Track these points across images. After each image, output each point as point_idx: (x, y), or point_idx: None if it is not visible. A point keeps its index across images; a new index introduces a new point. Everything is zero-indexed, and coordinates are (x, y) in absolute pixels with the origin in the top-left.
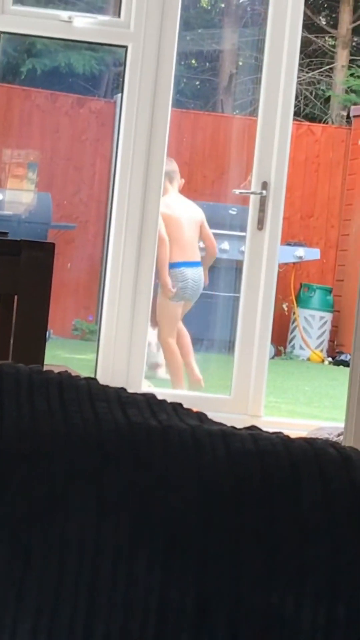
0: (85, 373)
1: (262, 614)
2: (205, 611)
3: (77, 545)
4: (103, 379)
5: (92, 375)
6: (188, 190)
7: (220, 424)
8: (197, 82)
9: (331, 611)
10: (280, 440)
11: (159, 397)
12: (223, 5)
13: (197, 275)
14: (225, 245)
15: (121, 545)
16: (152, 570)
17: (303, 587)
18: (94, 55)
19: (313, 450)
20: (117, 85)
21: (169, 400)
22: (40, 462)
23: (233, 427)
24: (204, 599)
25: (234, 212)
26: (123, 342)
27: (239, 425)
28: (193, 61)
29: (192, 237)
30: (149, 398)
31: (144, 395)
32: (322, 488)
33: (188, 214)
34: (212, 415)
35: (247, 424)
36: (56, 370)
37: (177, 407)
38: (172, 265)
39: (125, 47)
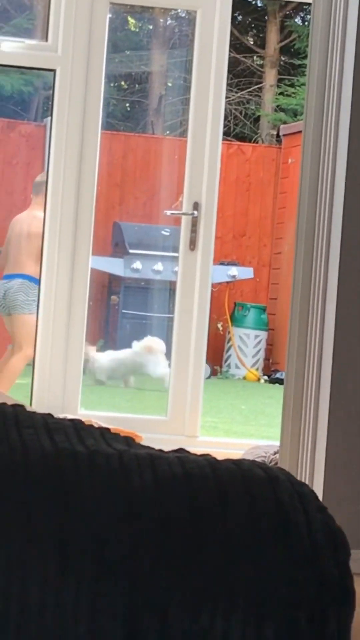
0: (21, 398)
1: (192, 636)
2: (135, 637)
3: (3, 575)
4: (39, 403)
5: (29, 400)
6: (120, 212)
7: (148, 447)
8: (127, 104)
9: (260, 630)
10: (208, 463)
11: (96, 420)
12: (151, 27)
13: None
14: (159, 266)
15: (49, 574)
16: (80, 598)
17: (231, 607)
18: (22, 77)
19: (240, 472)
20: (47, 108)
21: (103, 422)
22: None
23: (160, 451)
24: (133, 624)
25: (167, 233)
26: (58, 366)
27: (176, 447)
28: (122, 83)
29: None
30: (76, 423)
31: (72, 420)
32: (248, 509)
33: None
34: (149, 436)
35: (184, 445)
36: None
37: (104, 431)
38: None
39: (54, 70)
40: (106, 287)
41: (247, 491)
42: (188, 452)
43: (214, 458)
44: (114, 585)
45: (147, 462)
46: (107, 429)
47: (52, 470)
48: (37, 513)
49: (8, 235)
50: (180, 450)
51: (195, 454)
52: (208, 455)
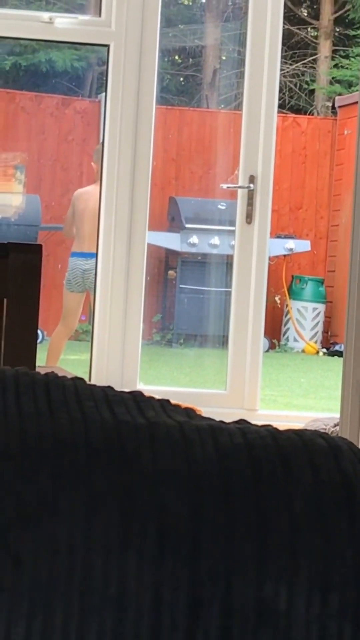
0: (79, 373)
1: (256, 606)
2: (198, 607)
3: (67, 547)
4: (98, 378)
5: (87, 375)
6: (176, 187)
7: (209, 418)
8: (181, 78)
9: (324, 600)
10: (269, 433)
11: (157, 394)
12: (204, 0)
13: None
14: (216, 240)
15: (111, 544)
16: (143, 568)
17: (295, 577)
18: (76, 53)
19: (302, 442)
20: (101, 84)
21: (162, 397)
22: (27, 464)
23: (221, 422)
24: (196, 594)
25: (223, 207)
26: (116, 341)
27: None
28: (176, 57)
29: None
30: (136, 395)
31: (131, 393)
32: (311, 479)
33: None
34: (208, 410)
35: (244, 418)
36: (44, 372)
37: (164, 403)
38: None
39: (107, 46)
40: (163, 262)
41: (310, 460)
42: (249, 423)
43: (275, 428)
44: (177, 555)
45: (208, 432)
46: (167, 401)
47: (113, 442)
48: (99, 485)
49: (78, 209)
50: (241, 421)
51: (256, 425)
52: (269, 425)
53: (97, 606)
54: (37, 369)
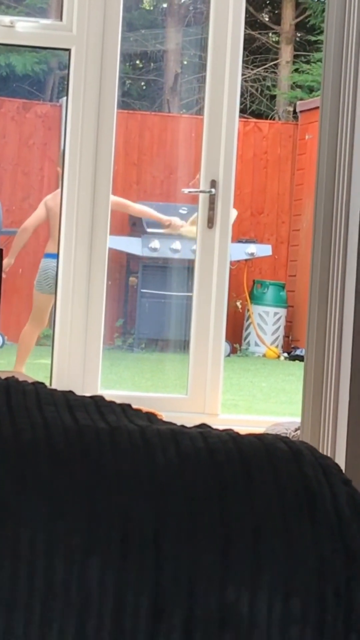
0: (41, 378)
1: (218, 611)
2: (160, 612)
3: (30, 551)
4: (59, 383)
5: (48, 380)
6: (138, 191)
7: (170, 423)
8: (143, 83)
9: (286, 605)
10: (230, 437)
11: (118, 399)
12: (165, 5)
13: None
14: (177, 245)
15: (74, 549)
16: (106, 573)
17: (258, 582)
18: (36, 57)
19: (263, 446)
20: (62, 88)
21: (123, 402)
22: None
23: (182, 426)
24: (159, 599)
25: (185, 212)
26: (78, 346)
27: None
28: (138, 62)
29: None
30: (97, 400)
31: (93, 397)
32: (273, 483)
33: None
34: (169, 414)
35: (205, 423)
36: (4, 377)
37: (125, 408)
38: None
39: (69, 50)
40: (124, 267)
41: (271, 465)
42: (210, 427)
43: (237, 433)
44: (140, 561)
45: (170, 437)
46: (129, 405)
47: (74, 447)
48: (61, 490)
49: (51, 210)
50: (202, 425)
51: (217, 429)
52: (230, 430)
53: (59, 611)
54: None
